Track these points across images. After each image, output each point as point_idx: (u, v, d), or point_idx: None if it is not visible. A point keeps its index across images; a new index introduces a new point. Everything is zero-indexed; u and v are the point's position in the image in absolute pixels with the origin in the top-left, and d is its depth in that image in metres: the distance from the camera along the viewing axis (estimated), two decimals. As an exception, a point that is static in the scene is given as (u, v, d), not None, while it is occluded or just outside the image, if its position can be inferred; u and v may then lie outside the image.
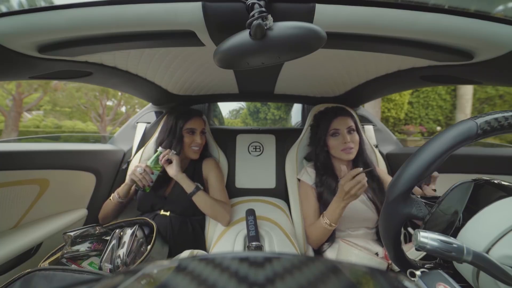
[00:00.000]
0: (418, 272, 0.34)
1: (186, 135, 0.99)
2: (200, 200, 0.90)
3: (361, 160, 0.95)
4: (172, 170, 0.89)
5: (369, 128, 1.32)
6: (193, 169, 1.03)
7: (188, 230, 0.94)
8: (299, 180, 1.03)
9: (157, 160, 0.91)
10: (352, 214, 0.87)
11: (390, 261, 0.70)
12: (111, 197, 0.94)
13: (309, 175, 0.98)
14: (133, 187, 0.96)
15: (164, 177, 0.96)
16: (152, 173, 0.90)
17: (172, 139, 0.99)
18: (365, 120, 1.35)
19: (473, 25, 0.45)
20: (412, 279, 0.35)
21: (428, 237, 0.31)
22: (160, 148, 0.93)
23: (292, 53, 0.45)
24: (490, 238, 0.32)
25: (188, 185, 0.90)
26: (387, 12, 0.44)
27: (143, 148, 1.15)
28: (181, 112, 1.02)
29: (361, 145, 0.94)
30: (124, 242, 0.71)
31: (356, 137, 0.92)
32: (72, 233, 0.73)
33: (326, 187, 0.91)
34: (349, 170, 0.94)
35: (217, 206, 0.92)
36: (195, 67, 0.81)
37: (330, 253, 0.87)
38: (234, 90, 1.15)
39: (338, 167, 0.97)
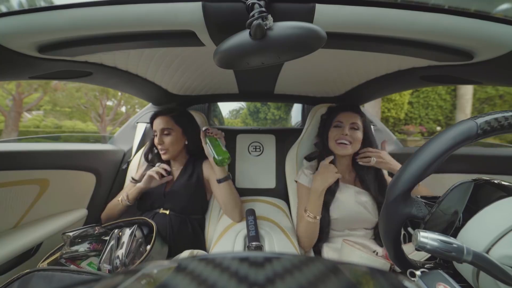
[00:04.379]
0: (418, 272, 0.34)
1: (154, 137, 1.00)
2: (227, 188, 0.91)
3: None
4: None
5: None
6: (192, 169, 1.02)
7: (187, 230, 0.93)
8: (296, 182, 1.02)
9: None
10: (351, 215, 0.87)
11: (392, 263, 0.70)
12: (119, 200, 0.94)
13: (306, 176, 0.96)
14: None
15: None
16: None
17: (149, 143, 1.05)
18: None
19: (473, 25, 0.45)
20: (412, 279, 0.35)
21: (428, 237, 0.31)
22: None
23: (292, 53, 0.45)
24: (490, 238, 0.32)
25: (221, 172, 0.92)
26: (387, 12, 0.44)
27: (143, 148, 1.15)
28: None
29: (364, 145, 0.92)
30: (123, 242, 0.71)
31: (358, 135, 0.89)
32: (71, 233, 0.73)
33: None
34: (348, 166, 0.95)
35: (238, 200, 0.95)
36: (195, 67, 0.81)
37: (332, 254, 0.87)
38: (234, 90, 1.15)
39: (339, 166, 0.97)
